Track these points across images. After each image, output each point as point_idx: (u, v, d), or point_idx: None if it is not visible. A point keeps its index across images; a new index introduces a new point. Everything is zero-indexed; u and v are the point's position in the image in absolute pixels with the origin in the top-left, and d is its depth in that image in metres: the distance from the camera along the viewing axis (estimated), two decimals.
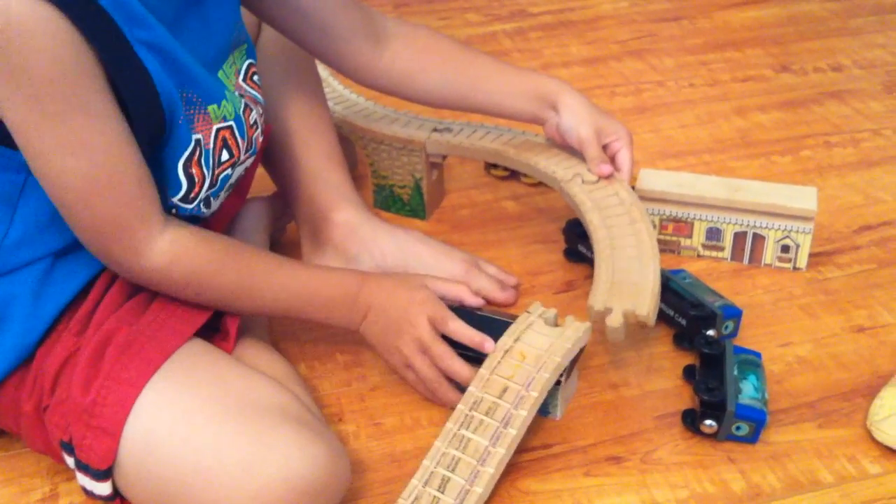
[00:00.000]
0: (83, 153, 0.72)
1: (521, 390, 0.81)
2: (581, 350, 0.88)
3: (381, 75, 0.99)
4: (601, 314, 0.84)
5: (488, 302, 1.04)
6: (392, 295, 0.88)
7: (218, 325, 0.86)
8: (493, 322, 0.89)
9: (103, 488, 0.76)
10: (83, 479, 0.76)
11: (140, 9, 0.73)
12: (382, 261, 1.03)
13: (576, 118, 1.01)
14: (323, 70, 1.18)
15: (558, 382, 0.85)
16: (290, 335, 1.00)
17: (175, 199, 0.80)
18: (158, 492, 0.74)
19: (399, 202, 1.21)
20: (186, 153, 0.79)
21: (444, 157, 1.18)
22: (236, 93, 0.86)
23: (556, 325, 0.88)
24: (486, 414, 0.80)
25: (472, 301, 0.96)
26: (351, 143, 1.21)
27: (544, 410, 0.89)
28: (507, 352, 0.85)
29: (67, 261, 0.81)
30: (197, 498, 0.72)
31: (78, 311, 0.81)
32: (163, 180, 0.79)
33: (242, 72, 0.89)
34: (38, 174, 0.74)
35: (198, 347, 0.80)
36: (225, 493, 0.72)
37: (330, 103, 1.14)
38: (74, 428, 0.75)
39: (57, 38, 0.67)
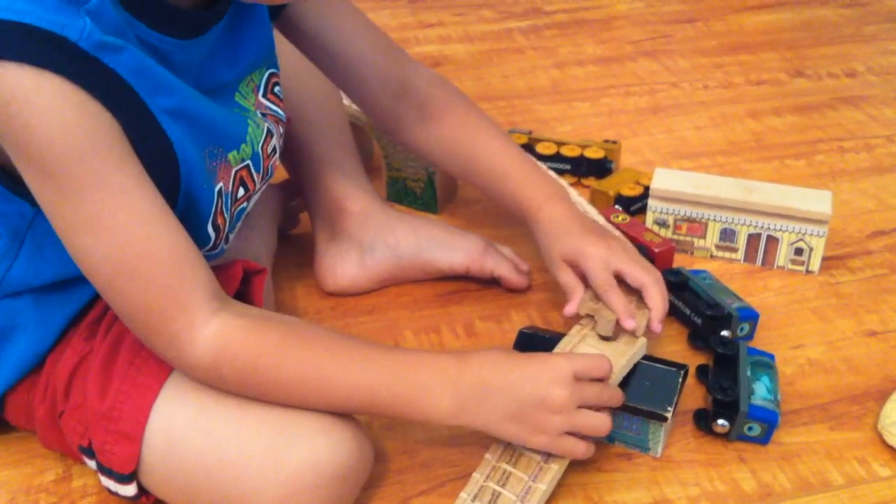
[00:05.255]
0: (103, 233, 0.65)
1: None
2: (682, 386, 0.84)
3: (391, 130, 0.99)
4: (595, 309, 0.87)
5: (501, 283, 1.05)
6: (511, 369, 0.74)
7: None
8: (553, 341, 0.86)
9: (128, 490, 0.75)
10: (107, 482, 0.76)
11: (163, 75, 0.68)
12: (397, 247, 1.03)
13: (546, 257, 0.96)
14: None
15: (664, 419, 0.82)
16: None
17: (204, 251, 0.77)
18: (187, 488, 0.73)
19: (412, 195, 1.21)
20: (213, 209, 0.76)
21: None
22: (258, 113, 0.83)
23: (611, 336, 0.85)
24: None
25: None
26: (366, 135, 1.21)
27: (644, 447, 0.85)
28: None
29: (74, 283, 0.77)
30: (226, 491, 0.72)
31: (88, 315, 0.79)
32: (195, 240, 0.72)
33: (262, 87, 0.85)
34: (66, 248, 0.68)
35: None
36: (254, 483, 0.71)
37: None
38: (94, 433, 0.74)
39: (65, 111, 0.62)
